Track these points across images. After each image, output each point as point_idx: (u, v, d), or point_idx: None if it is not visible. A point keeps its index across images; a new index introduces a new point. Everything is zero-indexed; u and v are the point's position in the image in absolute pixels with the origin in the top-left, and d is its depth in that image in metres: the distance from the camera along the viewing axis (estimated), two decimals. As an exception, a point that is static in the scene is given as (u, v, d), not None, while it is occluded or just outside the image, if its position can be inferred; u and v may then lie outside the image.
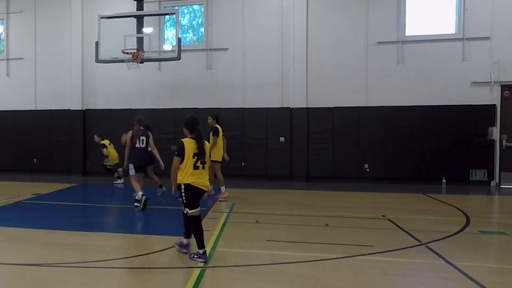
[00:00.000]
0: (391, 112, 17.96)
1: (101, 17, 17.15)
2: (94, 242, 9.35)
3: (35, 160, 21.27)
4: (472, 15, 17.94)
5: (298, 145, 18.57)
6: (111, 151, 17.88)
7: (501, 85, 17.70)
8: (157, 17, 18.64)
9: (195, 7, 20.23)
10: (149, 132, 13.31)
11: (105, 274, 7.33)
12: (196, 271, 7.20)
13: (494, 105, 17.58)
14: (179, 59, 16.64)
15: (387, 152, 17.97)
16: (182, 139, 7.80)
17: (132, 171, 12.55)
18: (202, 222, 9.40)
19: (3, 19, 21.94)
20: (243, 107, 19.04)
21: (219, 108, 18.92)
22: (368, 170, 17.99)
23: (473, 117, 17.59)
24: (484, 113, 17.52)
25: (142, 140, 12.98)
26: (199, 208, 7.86)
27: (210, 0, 19.62)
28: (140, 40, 16.82)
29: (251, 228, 10.54)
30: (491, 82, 17.78)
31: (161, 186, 14.68)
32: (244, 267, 7.54)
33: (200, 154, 7.74)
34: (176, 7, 18.60)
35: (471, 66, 17.76)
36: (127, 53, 16.68)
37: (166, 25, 19.89)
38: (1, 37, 22.25)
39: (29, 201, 14.27)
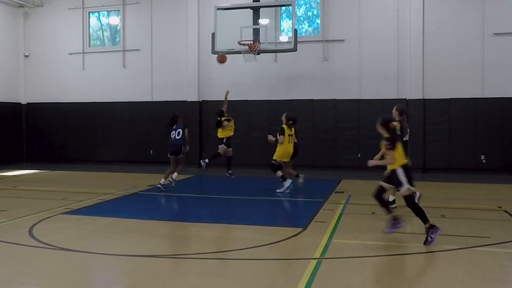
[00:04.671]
0: (508, 103, 19.55)
1: (218, 8, 18.82)
2: (210, 233, 10.34)
3: (151, 151, 23.37)
4: None
5: (415, 136, 20.03)
6: None
7: None
8: (273, 8, 20.45)
9: (311, -3, 21.96)
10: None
11: (221, 265, 8.15)
12: (312, 263, 7.86)
13: None
14: (296, 50, 18.45)
15: (503, 143, 19.66)
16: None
17: None
18: (319, 213, 10.58)
19: (119, 10, 24.87)
20: (359, 98, 20.83)
21: (335, 99, 20.37)
22: (484, 161, 19.02)
23: None
24: None
25: None
26: None
27: (326, -9, 21.56)
28: (256, 32, 18.46)
29: (367, 220, 11.42)
30: None
31: (297, 176, 15.64)
32: (360, 258, 8.25)
33: None
34: (292, -2, 20.78)
35: None
36: (244, 44, 18.37)
37: (282, 16, 22.08)
38: (117, 29, 25.00)
39: (145, 192, 15.65)
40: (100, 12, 25.36)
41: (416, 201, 10.24)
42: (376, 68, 20.90)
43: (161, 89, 23.61)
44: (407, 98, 20.49)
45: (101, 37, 25.92)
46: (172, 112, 22.22)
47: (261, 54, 18.73)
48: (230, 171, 17.31)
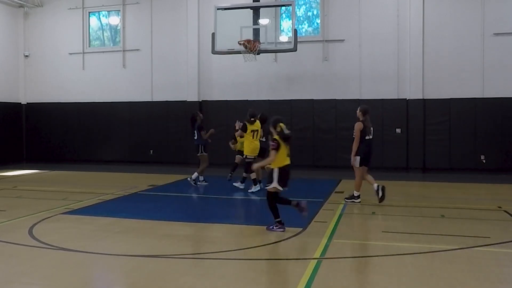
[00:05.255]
0: (508, 103, 19.60)
1: (218, 8, 18.83)
2: (210, 233, 10.45)
3: (151, 151, 23.50)
4: None
5: (414, 136, 20.04)
6: None
7: None
8: (273, 8, 20.49)
9: (311, -2, 21.96)
10: None
11: (221, 266, 8.05)
12: (312, 263, 7.85)
13: None
14: (296, 50, 18.39)
15: (503, 143, 19.69)
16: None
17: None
18: (319, 213, 10.58)
19: (119, 10, 24.90)
20: (359, 98, 20.86)
21: (335, 99, 20.35)
22: (484, 161, 19.03)
23: None
24: None
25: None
26: None
27: (326, -8, 21.61)
28: (256, 32, 18.49)
29: (367, 220, 11.57)
30: None
31: (259, 182, 15.90)
32: (360, 258, 8.38)
33: None
34: (292, -2, 20.74)
35: None
36: (244, 44, 18.16)
37: (282, 16, 22.03)
38: (117, 29, 24.99)
39: (145, 192, 15.66)
40: (100, 12, 25.37)
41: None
42: (376, 68, 20.89)
43: (161, 89, 23.61)
44: (407, 98, 20.51)
45: (101, 37, 25.93)
46: (172, 112, 22.53)
47: (261, 54, 18.69)
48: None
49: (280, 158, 9.93)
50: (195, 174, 16.66)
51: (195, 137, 16.74)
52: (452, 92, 20.02)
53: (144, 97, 23.86)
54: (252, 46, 17.79)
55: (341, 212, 12.11)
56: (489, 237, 9.47)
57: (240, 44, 18.05)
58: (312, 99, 21.31)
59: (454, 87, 20.04)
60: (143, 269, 7.75)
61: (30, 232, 10.06)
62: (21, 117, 25.71)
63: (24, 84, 25.81)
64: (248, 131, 15.17)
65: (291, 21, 19.24)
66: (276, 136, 9.95)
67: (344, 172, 17.22)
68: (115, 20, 25.00)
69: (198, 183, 16.85)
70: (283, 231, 9.91)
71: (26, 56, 25.68)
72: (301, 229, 10.17)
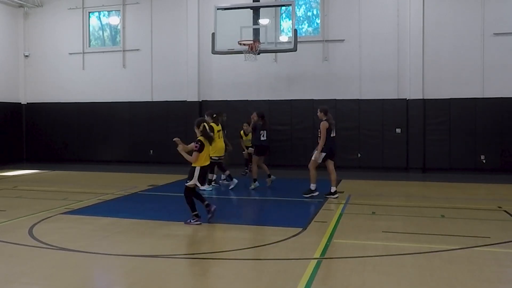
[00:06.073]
0: (508, 103, 19.58)
1: (218, 8, 18.81)
2: (209, 233, 10.42)
3: (151, 151, 23.39)
4: None
5: (414, 136, 20.07)
6: None
7: None
8: (273, 8, 20.51)
9: (311, -2, 21.93)
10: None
11: (220, 265, 8.14)
12: (312, 263, 7.90)
13: None
14: (296, 50, 18.36)
15: (503, 143, 19.67)
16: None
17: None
18: (319, 213, 10.97)
19: (119, 10, 24.88)
20: (359, 98, 20.81)
21: (335, 99, 20.48)
22: (484, 161, 19.04)
23: None
24: None
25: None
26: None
27: (326, -8, 21.56)
28: (256, 32, 18.44)
29: (367, 220, 11.47)
30: None
31: (269, 176, 16.41)
32: (360, 258, 8.27)
33: None
34: (292, -2, 20.71)
35: None
36: (244, 44, 18.35)
37: (282, 16, 22.02)
38: (118, 29, 24.97)
39: (145, 192, 15.71)
40: (100, 12, 25.38)
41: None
42: (376, 68, 20.87)
43: (161, 89, 23.59)
44: (407, 98, 20.50)
45: (101, 37, 25.93)
46: (172, 112, 22.57)
47: (261, 54, 18.65)
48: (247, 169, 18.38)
49: (202, 158, 10.75)
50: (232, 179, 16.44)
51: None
52: (452, 92, 20.00)
53: (144, 97, 23.84)
54: (252, 46, 17.77)
55: (341, 212, 12.14)
56: (489, 237, 9.49)
57: (240, 44, 18.04)
58: (312, 99, 21.23)
59: (454, 87, 20.01)
60: (143, 269, 7.76)
61: (30, 232, 10.07)
62: (21, 117, 25.70)
63: (24, 84, 25.80)
64: (215, 131, 14.90)
65: (291, 21, 19.22)
66: (200, 137, 10.73)
67: (344, 172, 17.23)
68: (115, 20, 24.94)
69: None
70: (199, 223, 10.69)
71: (26, 56, 25.67)
72: (301, 229, 10.19)
